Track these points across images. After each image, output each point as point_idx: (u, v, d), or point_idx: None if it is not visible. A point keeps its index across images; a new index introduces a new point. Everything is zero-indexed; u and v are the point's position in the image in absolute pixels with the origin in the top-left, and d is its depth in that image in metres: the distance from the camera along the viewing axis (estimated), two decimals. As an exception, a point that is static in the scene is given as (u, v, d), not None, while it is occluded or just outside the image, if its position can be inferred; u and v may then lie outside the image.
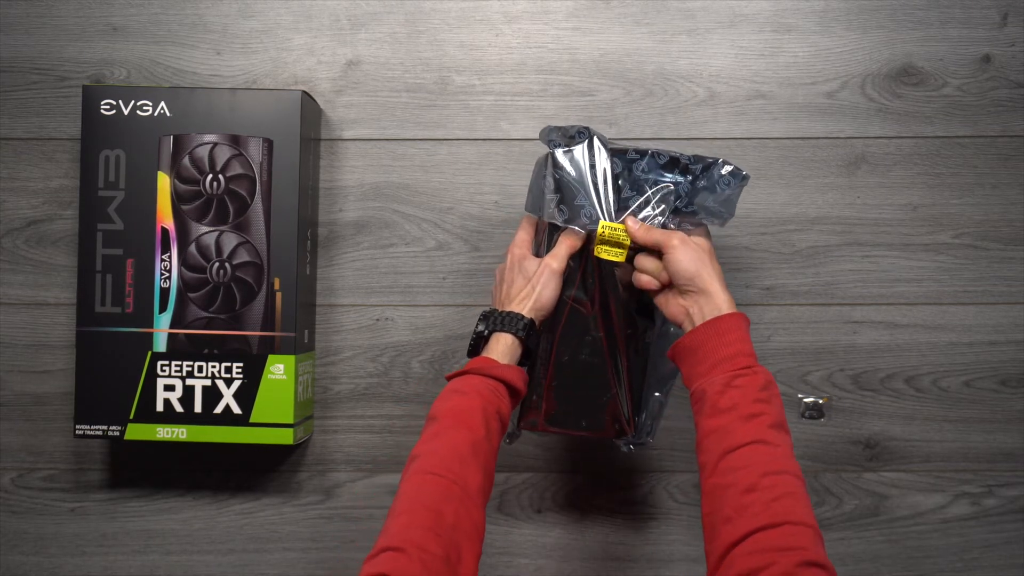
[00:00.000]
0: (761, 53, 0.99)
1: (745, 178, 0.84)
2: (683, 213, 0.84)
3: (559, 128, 0.85)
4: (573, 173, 0.83)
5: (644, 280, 0.82)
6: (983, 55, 0.98)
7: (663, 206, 0.83)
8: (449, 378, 0.80)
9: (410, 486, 0.70)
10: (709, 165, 0.84)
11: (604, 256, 0.83)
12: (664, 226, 0.83)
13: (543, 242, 0.86)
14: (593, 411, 0.86)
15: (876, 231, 0.98)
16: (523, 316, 0.82)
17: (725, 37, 0.99)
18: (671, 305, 0.81)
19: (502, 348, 0.81)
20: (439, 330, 0.99)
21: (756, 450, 0.69)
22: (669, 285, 0.81)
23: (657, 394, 0.88)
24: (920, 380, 0.98)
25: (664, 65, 0.99)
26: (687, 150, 0.84)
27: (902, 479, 0.98)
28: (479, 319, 0.83)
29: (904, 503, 0.98)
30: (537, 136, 0.99)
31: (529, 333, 0.81)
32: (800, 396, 0.98)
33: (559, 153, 0.84)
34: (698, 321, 0.77)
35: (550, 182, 0.83)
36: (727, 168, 0.83)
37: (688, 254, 0.79)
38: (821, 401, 0.98)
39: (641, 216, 0.83)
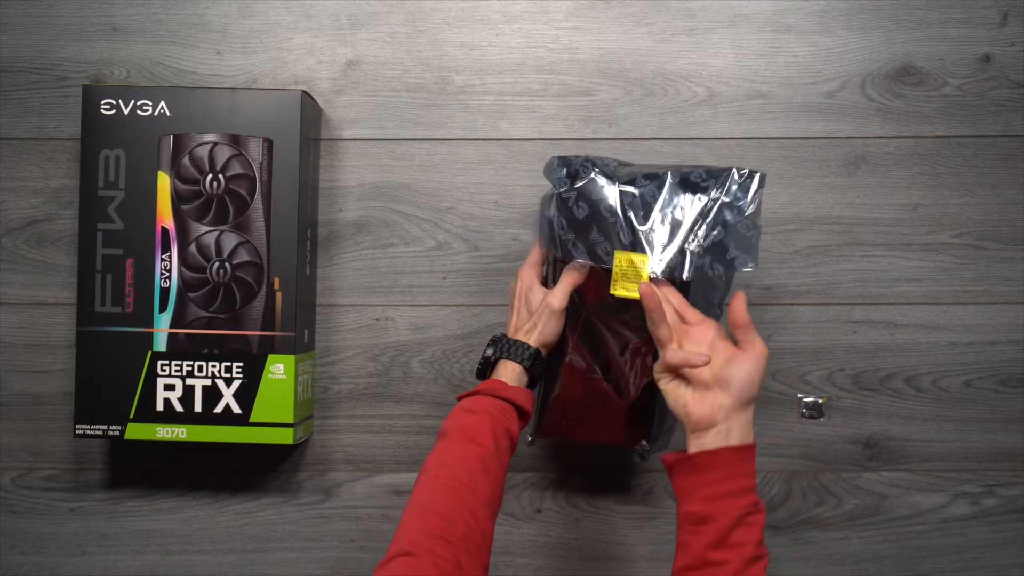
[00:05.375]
0: (761, 53, 0.99)
1: (762, 177, 0.81)
2: (713, 246, 0.80)
3: (562, 159, 0.83)
4: (583, 210, 0.81)
5: (696, 358, 0.74)
6: (983, 55, 0.98)
7: (698, 233, 0.80)
8: (459, 398, 0.81)
9: (421, 496, 0.72)
10: (723, 177, 0.80)
11: (622, 294, 0.80)
12: (699, 258, 0.79)
13: (550, 271, 0.87)
14: (607, 422, 0.86)
15: (876, 231, 0.98)
16: (529, 346, 0.83)
17: (725, 37, 0.99)
18: (705, 401, 0.74)
19: (509, 374, 0.82)
20: (439, 330, 0.99)
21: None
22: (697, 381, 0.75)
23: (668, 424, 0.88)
24: (920, 380, 0.98)
25: (664, 65, 0.99)
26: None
27: (902, 479, 0.98)
28: (488, 343, 0.85)
29: (904, 503, 0.98)
30: (537, 135, 0.99)
31: (535, 363, 0.83)
32: (800, 396, 0.98)
33: (565, 193, 0.82)
34: (722, 438, 0.72)
35: (561, 222, 0.82)
36: (742, 172, 0.80)
37: (762, 367, 0.74)
38: (821, 401, 0.98)
39: (671, 248, 0.80)
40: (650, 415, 0.86)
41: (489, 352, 0.84)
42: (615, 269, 0.80)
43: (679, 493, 0.74)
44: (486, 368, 0.85)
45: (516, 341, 0.83)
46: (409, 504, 0.71)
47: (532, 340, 0.83)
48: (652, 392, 0.85)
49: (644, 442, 0.86)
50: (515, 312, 0.86)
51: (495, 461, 0.75)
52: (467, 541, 0.68)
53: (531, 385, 0.84)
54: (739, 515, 0.70)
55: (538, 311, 0.84)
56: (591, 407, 0.86)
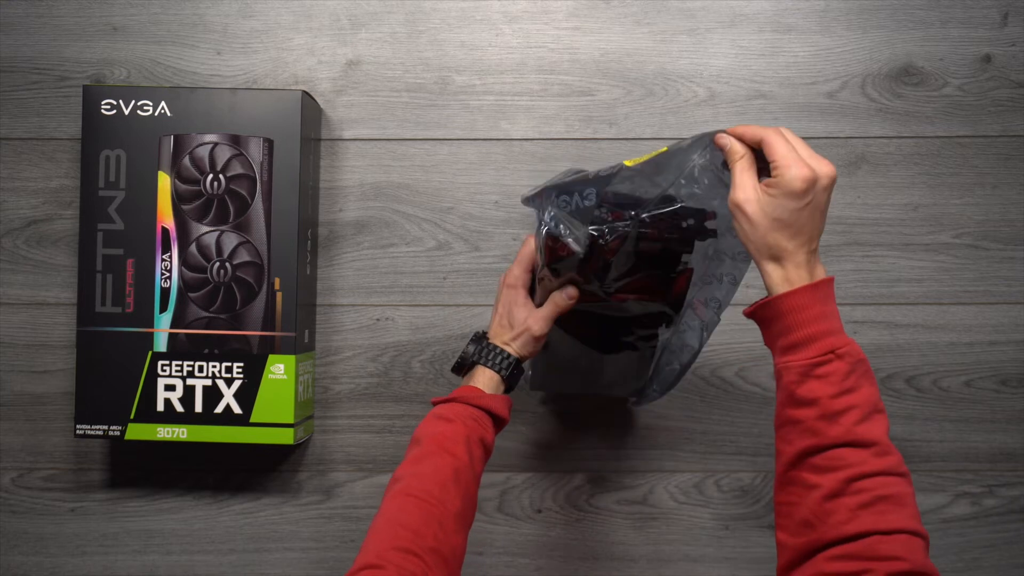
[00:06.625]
0: (761, 53, 0.99)
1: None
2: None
3: (542, 193, 0.81)
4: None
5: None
6: (983, 55, 0.98)
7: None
8: (435, 403, 0.80)
9: (391, 507, 0.70)
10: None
11: (645, 157, 0.73)
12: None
13: (534, 280, 0.85)
14: (596, 375, 0.87)
15: (876, 231, 0.98)
16: (509, 355, 0.82)
17: (725, 37, 0.99)
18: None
19: (486, 380, 0.81)
20: (439, 330, 0.99)
21: (841, 454, 0.62)
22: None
23: (674, 366, 0.86)
24: (920, 380, 0.98)
25: (664, 65, 0.99)
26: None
27: (902, 479, 0.98)
28: (472, 338, 0.84)
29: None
30: (537, 135, 0.99)
31: (513, 372, 0.82)
32: (800, 396, 0.98)
33: (549, 209, 0.79)
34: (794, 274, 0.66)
35: (562, 216, 0.78)
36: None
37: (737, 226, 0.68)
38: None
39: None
40: (634, 368, 0.86)
41: (470, 350, 0.83)
42: (628, 163, 0.74)
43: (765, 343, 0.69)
44: (463, 365, 0.83)
45: (497, 348, 0.82)
46: (379, 514, 0.70)
47: (512, 350, 0.82)
48: (639, 347, 0.85)
49: (635, 397, 0.87)
50: (497, 319, 0.85)
51: (468, 472, 0.74)
52: (436, 554, 0.67)
53: (508, 390, 0.83)
54: (803, 369, 0.64)
55: (519, 329, 0.82)
56: (579, 364, 0.86)
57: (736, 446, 0.98)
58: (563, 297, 0.81)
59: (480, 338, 0.84)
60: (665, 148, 0.73)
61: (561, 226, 0.76)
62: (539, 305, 0.84)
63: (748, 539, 0.98)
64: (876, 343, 0.98)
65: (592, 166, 0.98)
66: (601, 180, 0.76)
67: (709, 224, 0.75)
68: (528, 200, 0.84)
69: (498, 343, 0.83)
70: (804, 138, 0.98)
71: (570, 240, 0.76)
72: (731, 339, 0.98)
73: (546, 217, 0.77)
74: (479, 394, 0.79)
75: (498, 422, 0.80)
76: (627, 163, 0.75)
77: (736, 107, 0.98)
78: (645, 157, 0.74)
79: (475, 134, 0.99)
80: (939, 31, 0.98)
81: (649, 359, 0.86)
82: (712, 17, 0.99)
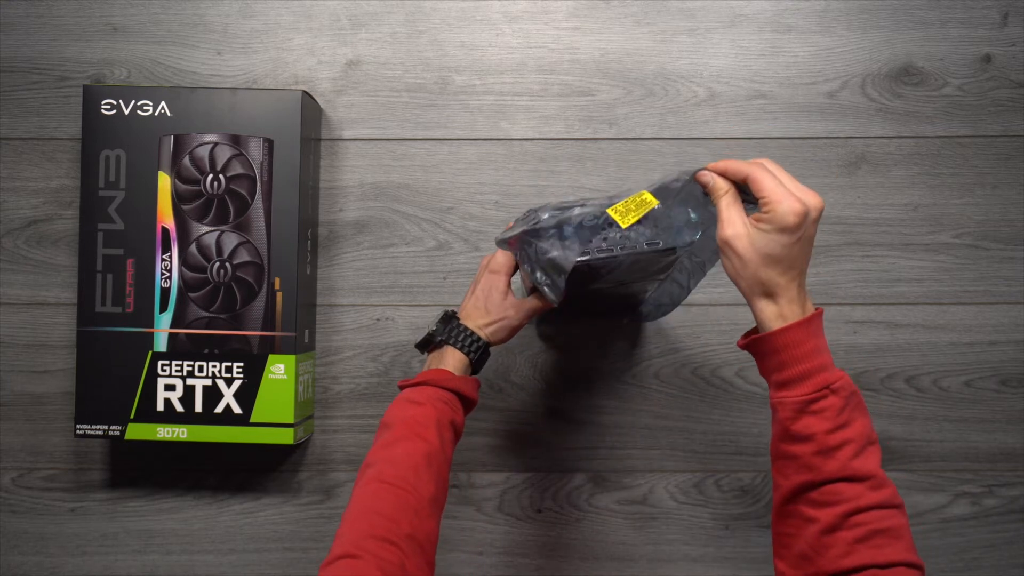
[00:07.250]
0: (761, 53, 0.99)
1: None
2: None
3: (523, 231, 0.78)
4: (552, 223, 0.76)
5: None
6: (983, 55, 0.98)
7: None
8: (402, 386, 0.79)
9: (365, 494, 0.70)
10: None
11: (632, 220, 0.72)
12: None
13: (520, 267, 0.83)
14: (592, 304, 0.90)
15: (876, 231, 0.98)
16: (479, 339, 0.81)
17: (725, 37, 0.99)
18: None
19: (454, 362, 0.80)
20: (439, 330, 0.99)
21: (838, 489, 0.62)
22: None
23: (668, 287, 0.86)
24: (920, 380, 0.98)
25: (664, 65, 0.99)
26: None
27: (902, 479, 0.98)
28: (441, 317, 0.83)
29: (904, 503, 0.98)
30: (537, 135, 0.99)
31: (481, 356, 0.81)
32: (800, 396, 0.98)
33: (526, 250, 0.76)
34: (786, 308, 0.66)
35: (539, 264, 0.75)
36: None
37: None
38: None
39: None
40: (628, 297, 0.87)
41: (438, 329, 0.82)
42: (615, 217, 0.73)
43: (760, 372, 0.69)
44: (430, 343, 0.82)
45: (467, 330, 0.81)
46: (352, 502, 0.69)
47: (483, 335, 0.81)
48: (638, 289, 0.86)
49: (632, 316, 0.89)
50: (472, 301, 0.83)
51: (440, 455, 0.73)
52: (411, 541, 0.67)
53: (474, 373, 0.82)
54: (799, 405, 0.64)
55: (495, 316, 0.81)
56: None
57: (736, 446, 0.98)
58: (547, 300, 0.80)
59: (449, 318, 0.82)
60: (646, 194, 0.72)
61: (538, 273, 0.75)
62: (530, 291, 0.83)
63: (748, 539, 0.98)
64: (876, 343, 0.98)
65: (591, 166, 0.99)
66: (584, 230, 0.74)
67: (688, 237, 0.74)
68: (502, 243, 0.82)
69: (470, 325, 0.81)
70: (804, 138, 0.99)
71: (547, 291, 0.75)
72: (731, 339, 0.98)
73: (524, 265, 0.76)
74: (448, 376, 0.78)
75: (468, 404, 0.79)
76: (610, 212, 0.73)
77: (736, 107, 0.98)
78: (633, 214, 0.72)
79: (475, 134, 0.99)
80: (939, 31, 0.98)
81: (642, 293, 0.87)
82: (712, 17, 0.99)
